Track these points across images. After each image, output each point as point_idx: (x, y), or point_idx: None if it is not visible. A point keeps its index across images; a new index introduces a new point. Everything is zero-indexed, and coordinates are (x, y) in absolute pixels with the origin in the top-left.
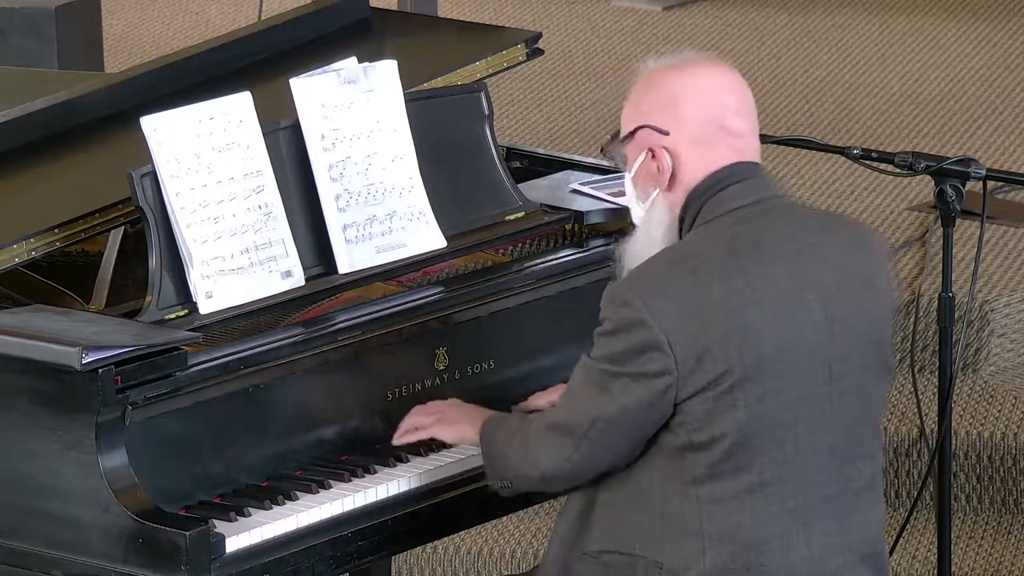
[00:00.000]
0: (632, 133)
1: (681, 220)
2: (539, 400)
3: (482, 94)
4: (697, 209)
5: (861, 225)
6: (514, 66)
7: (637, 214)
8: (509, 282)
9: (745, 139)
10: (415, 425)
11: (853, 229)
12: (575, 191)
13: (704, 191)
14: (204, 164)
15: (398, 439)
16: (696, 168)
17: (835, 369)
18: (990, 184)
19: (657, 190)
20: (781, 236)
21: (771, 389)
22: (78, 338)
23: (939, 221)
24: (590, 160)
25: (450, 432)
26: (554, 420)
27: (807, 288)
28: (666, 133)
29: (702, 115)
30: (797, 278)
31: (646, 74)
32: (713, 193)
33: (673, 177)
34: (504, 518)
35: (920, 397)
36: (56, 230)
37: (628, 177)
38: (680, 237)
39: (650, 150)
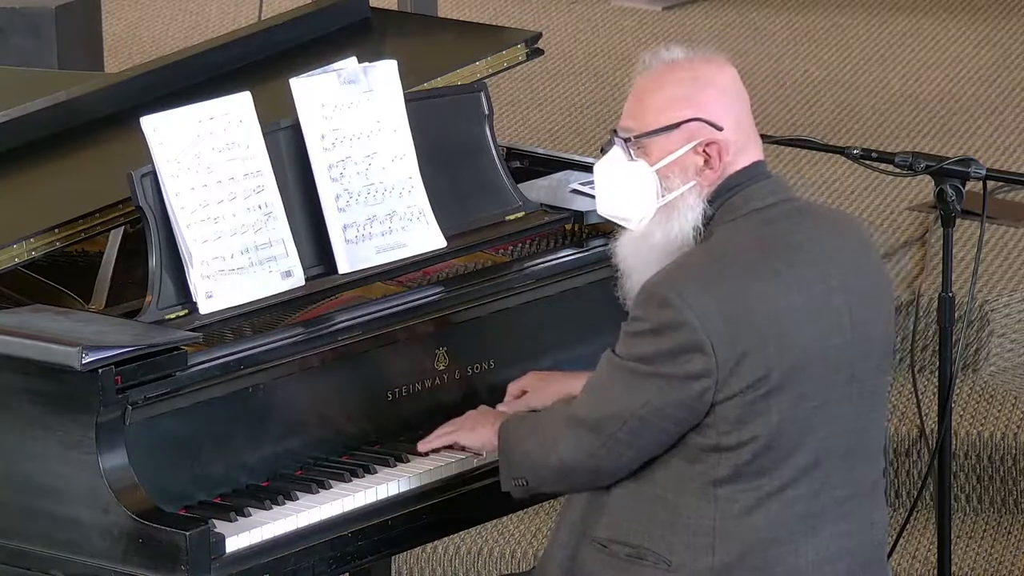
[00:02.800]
0: (677, 124)
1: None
2: (516, 390)
3: (482, 94)
4: (718, 206)
5: (859, 221)
6: (514, 66)
7: (645, 206)
8: (509, 282)
9: (759, 138)
10: (442, 432)
11: (857, 228)
12: (575, 191)
13: (728, 189)
14: (204, 164)
15: (425, 446)
16: (729, 165)
17: (856, 371)
18: (990, 184)
19: (692, 183)
20: (808, 239)
21: (801, 393)
22: (78, 338)
23: (939, 221)
24: (590, 160)
25: (472, 437)
26: (577, 414)
27: (834, 291)
28: (720, 128)
29: (746, 117)
30: (825, 281)
31: (684, 65)
32: (736, 192)
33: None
34: (504, 518)
35: (920, 397)
36: (56, 230)
37: (650, 169)
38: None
39: (703, 143)
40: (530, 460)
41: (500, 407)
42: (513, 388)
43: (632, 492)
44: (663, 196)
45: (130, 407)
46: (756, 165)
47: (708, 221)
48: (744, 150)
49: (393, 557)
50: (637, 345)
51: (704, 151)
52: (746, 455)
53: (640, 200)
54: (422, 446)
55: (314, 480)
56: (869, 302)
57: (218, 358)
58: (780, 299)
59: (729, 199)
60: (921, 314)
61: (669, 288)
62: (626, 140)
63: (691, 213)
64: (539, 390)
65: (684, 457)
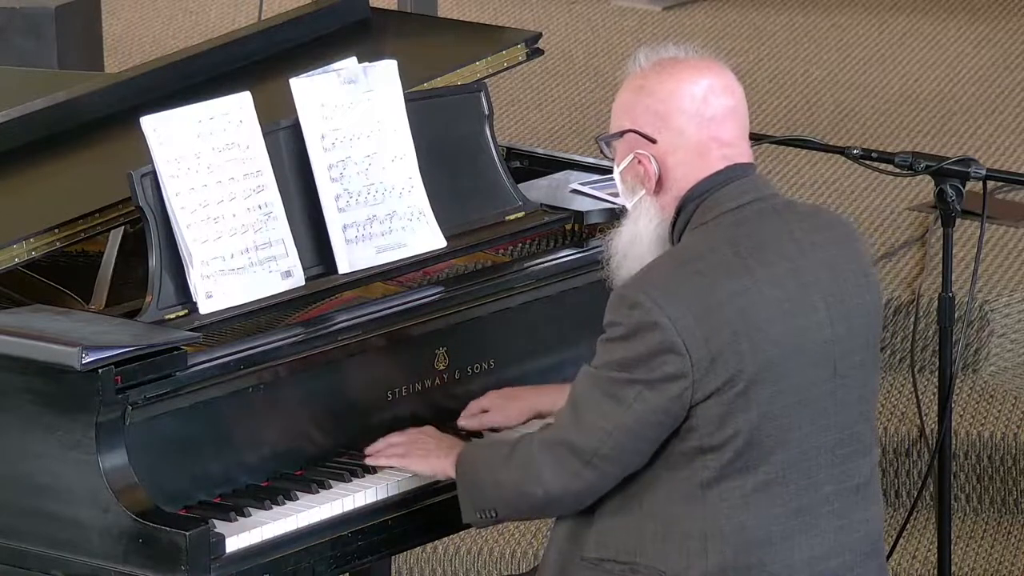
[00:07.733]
0: (621, 133)
1: (674, 220)
2: (476, 408)
3: (482, 94)
4: (691, 212)
5: (843, 220)
6: (514, 66)
7: (626, 205)
8: (509, 282)
9: (735, 146)
10: (391, 452)
11: (840, 226)
12: (575, 191)
13: (698, 195)
14: (204, 164)
15: (374, 461)
16: (685, 176)
17: (839, 366)
18: (990, 184)
19: (642, 191)
20: (781, 236)
21: (780, 389)
22: (78, 338)
23: (939, 221)
24: (590, 160)
25: (423, 464)
26: (559, 437)
27: (810, 287)
28: (654, 141)
29: (693, 127)
30: (800, 277)
31: (640, 73)
32: (707, 196)
33: (660, 182)
34: None
35: (920, 397)
36: (56, 230)
37: (616, 171)
38: (671, 236)
39: (636, 155)
40: (504, 491)
41: (460, 422)
42: (473, 407)
43: (619, 509)
44: (630, 199)
45: (130, 407)
46: (726, 170)
47: (683, 228)
48: (699, 161)
49: (393, 557)
50: (612, 352)
51: (640, 163)
52: (729, 453)
53: (622, 197)
54: (371, 460)
55: (314, 480)
56: (848, 298)
57: (218, 358)
58: (751, 295)
59: (701, 204)
60: (921, 314)
61: (638, 290)
62: (598, 139)
63: (649, 219)
64: (502, 408)
65: (667, 467)
